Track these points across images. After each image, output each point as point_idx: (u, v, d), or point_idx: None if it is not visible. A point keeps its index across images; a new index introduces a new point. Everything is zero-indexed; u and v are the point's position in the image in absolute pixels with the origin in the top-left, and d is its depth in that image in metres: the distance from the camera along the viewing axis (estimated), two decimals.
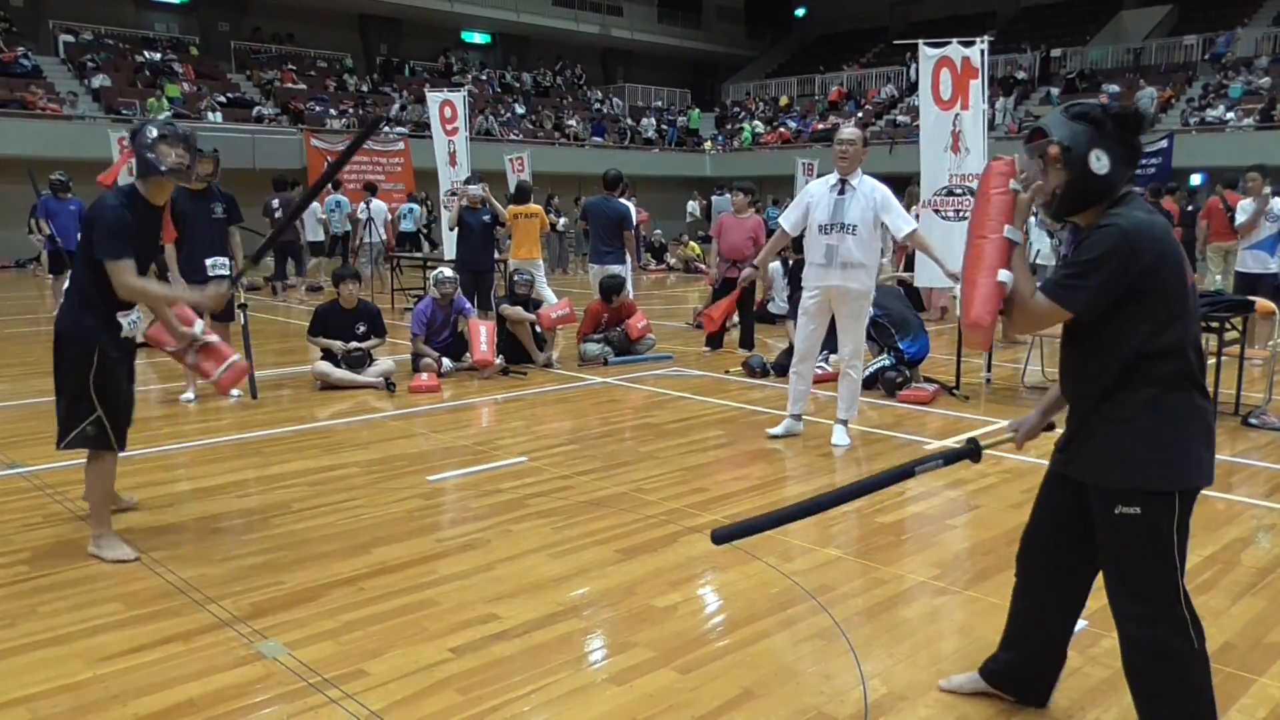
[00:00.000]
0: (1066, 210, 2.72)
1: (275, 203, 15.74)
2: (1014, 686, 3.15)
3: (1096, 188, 2.63)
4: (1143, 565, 2.62)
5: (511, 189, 13.07)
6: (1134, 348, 2.60)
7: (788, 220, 6.63)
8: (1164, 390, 2.60)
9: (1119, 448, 2.62)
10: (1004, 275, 2.69)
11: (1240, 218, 10.10)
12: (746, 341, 10.54)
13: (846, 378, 6.68)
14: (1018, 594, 3.07)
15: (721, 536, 3.01)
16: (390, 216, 17.78)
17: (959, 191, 8.59)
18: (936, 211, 8.71)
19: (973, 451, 3.31)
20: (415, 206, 20.37)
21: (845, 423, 6.70)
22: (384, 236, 16.88)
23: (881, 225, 6.48)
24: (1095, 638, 3.59)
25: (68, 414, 4.38)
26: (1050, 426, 3.12)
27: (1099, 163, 2.60)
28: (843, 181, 6.41)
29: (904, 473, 3.10)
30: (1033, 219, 12.06)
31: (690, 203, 28.39)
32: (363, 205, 16.87)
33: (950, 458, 3.26)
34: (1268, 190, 9.89)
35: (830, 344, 9.23)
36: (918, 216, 8.12)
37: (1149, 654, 2.67)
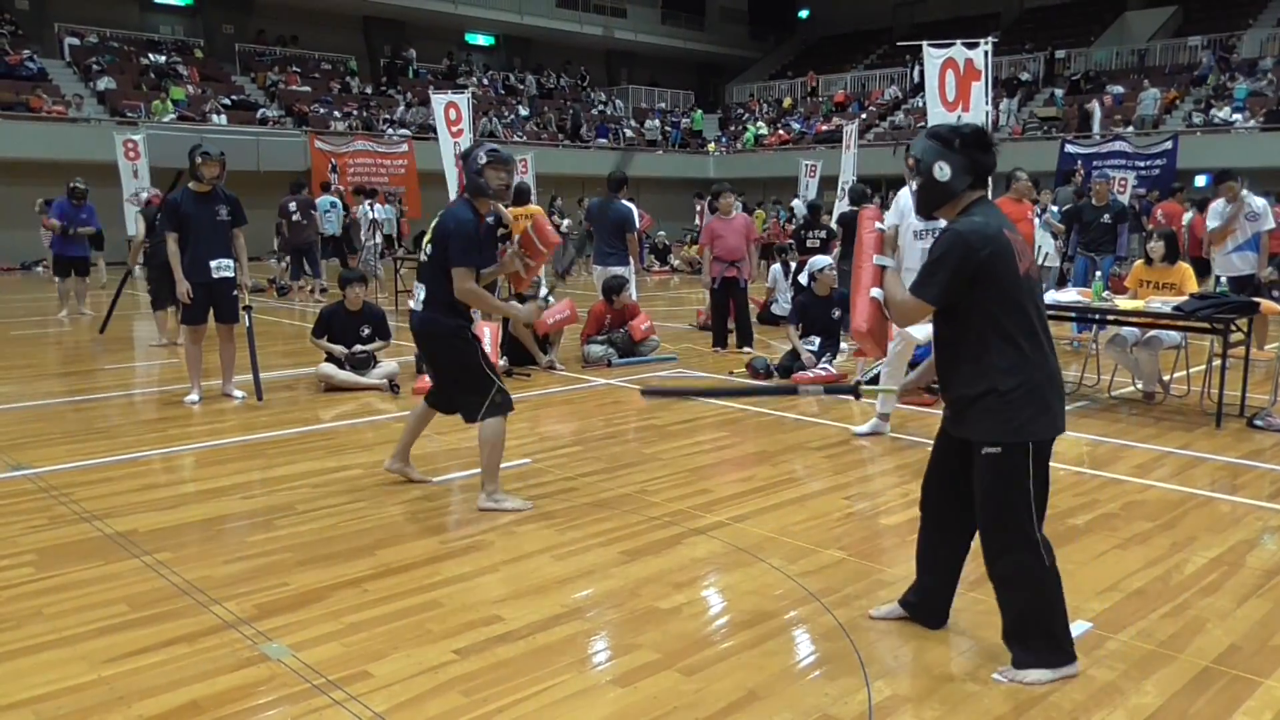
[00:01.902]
0: (923, 208, 3.43)
1: (292, 205, 15.76)
2: (922, 613, 3.69)
3: (940, 191, 3.31)
4: (1004, 498, 3.21)
5: (513, 192, 13.04)
6: (985, 326, 3.18)
7: (889, 225, 6.63)
8: (1016, 359, 3.17)
9: (984, 408, 3.20)
10: (875, 292, 3.49)
11: (1212, 223, 10.07)
12: (744, 339, 10.52)
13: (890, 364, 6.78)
14: (923, 531, 3.62)
15: (649, 392, 4.12)
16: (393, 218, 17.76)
17: None
18: None
19: (853, 390, 4.15)
20: (337, 201, 19.60)
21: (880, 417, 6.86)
22: (379, 238, 16.87)
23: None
24: (1100, 639, 3.59)
25: (473, 392, 5.05)
26: (932, 389, 3.71)
27: (941, 172, 3.28)
28: None
29: (789, 390, 4.31)
30: (1038, 225, 12.08)
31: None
32: (365, 207, 16.88)
33: (831, 390, 4.48)
34: (1245, 194, 9.90)
35: (833, 344, 9.30)
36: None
37: (1011, 574, 3.28)
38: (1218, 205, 10.12)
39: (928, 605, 3.68)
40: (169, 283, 10.67)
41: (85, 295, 14.01)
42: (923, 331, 5.64)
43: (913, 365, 8.23)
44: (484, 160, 5.00)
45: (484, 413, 5.04)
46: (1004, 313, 3.17)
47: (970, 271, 3.15)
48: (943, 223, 6.15)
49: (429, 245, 5.02)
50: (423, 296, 5.04)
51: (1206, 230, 10.16)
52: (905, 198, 6.46)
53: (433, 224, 5.06)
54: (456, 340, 5.05)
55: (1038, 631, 3.28)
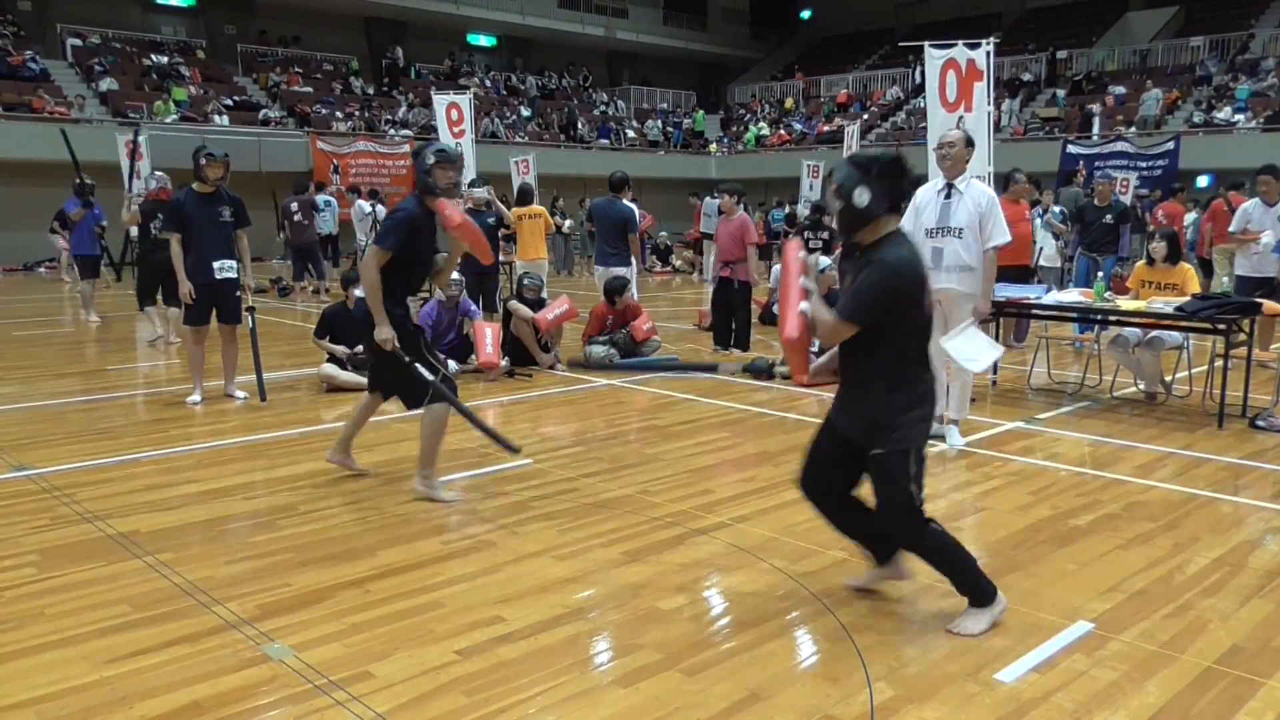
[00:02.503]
0: (844, 230, 3.73)
1: (294, 205, 15.78)
2: (879, 555, 4.05)
3: (859, 215, 3.61)
4: (895, 493, 3.65)
5: (517, 193, 13.09)
6: (893, 346, 3.61)
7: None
8: (910, 375, 3.64)
9: (877, 416, 3.65)
10: (803, 306, 3.72)
11: (1239, 223, 9.79)
12: (741, 342, 10.49)
13: (958, 379, 6.59)
14: (823, 512, 4.02)
15: (576, 364, 4.56)
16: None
17: None
18: None
19: (766, 370, 4.70)
20: (332, 200, 19.66)
21: (957, 423, 6.65)
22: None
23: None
24: (1102, 640, 3.59)
25: (415, 380, 5.21)
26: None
27: (860, 198, 3.59)
28: (949, 185, 6.38)
29: (709, 367, 4.40)
30: (1039, 225, 12.08)
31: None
32: (365, 205, 16.89)
33: (750, 369, 4.40)
34: None
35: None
36: None
37: (918, 549, 3.79)
38: (1251, 205, 9.76)
39: (878, 549, 4.06)
40: (156, 281, 10.80)
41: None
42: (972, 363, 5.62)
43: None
44: (432, 160, 5.20)
45: (428, 399, 5.20)
46: (911, 335, 3.63)
47: (894, 300, 3.54)
48: (953, 223, 6.07)
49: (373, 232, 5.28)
50: (360, 293, 5.38)
51: (1230, 229, 9.94)
52: (924, 193, 6.48)
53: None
54: (395, 328, 5.18)
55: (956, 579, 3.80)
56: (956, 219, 6.29)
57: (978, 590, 3.75)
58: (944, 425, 6.62)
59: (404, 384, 5.28)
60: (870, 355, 3.65)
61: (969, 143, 6.37)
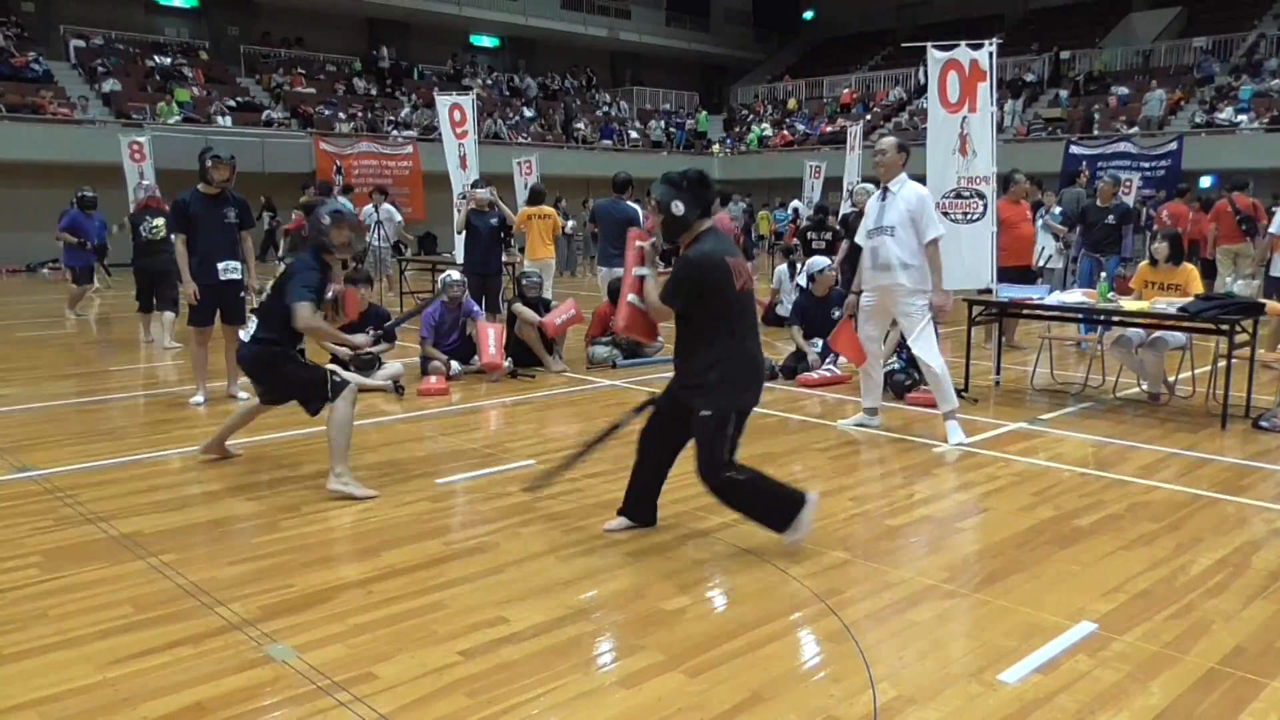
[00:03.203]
0: (667, 237, 4.48)
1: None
2: (640, 516, 4.82)
3: (678, 223, 4.40)
4: (710, 446, 4.35)
5: (519, 192, 13.11)
6: (708, 326, 4.33)
7: (859, 236, 7.07)
8: (724, 351, 4.33)
9: (703, 382, 4.34)
10: (631, 298, 4.52)
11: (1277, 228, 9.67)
12: None
13: (928, 375, 6.81)
14: (640, 463, 4.75)
15: (531, 486, 5.32)
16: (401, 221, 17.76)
17: (967, 194, 8.58)
18: (946, 214, 8.69)
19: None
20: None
21: (951, 415, 6.74)
22: (391, 240, 16.87)
23: None
24: (1105, 641, 3.59)
25: (316, 395, 5.44)
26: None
27: (677, 209, 4.36)
28: (884, 189, 6.70)
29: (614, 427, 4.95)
30: (1039, 226, 12.07)
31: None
32: (370, 208, 16.87)
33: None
34: None
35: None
36: None
37: (727, 493, 4.44)
38: None
39: (645, 508, 4.83)
40: (148, 285, 10.91)
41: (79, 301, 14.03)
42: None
43: (888, 378, 8.23)
44: (327, 221, 5.48)
45: (331, 397, 5.39)
46: (722, 316, 4.31)
47: (699, 289, 4.28)
48: (886, 222, 6.51)
49: (271, 287, 5.55)
50: (254, 328, 5.54)
51: (1271, 229, 9.83)
52: (871, 201, 6.93)
53: (281, 272, 5.59)
54: (285, 359, 5.54)
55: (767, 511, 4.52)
56: (888, 219, 6.62)
57: (777, 514, 4.47)
58: (871, 417, 7.13)
59: (310, 403, 5.49)
60: (693, 332, 4.40)
61: (901, 148, 6.71)
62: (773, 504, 4.48)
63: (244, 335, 5.59)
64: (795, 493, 4.50)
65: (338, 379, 5.49)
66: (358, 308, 6.29)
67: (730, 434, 4.37)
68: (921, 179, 9.26)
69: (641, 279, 4.52)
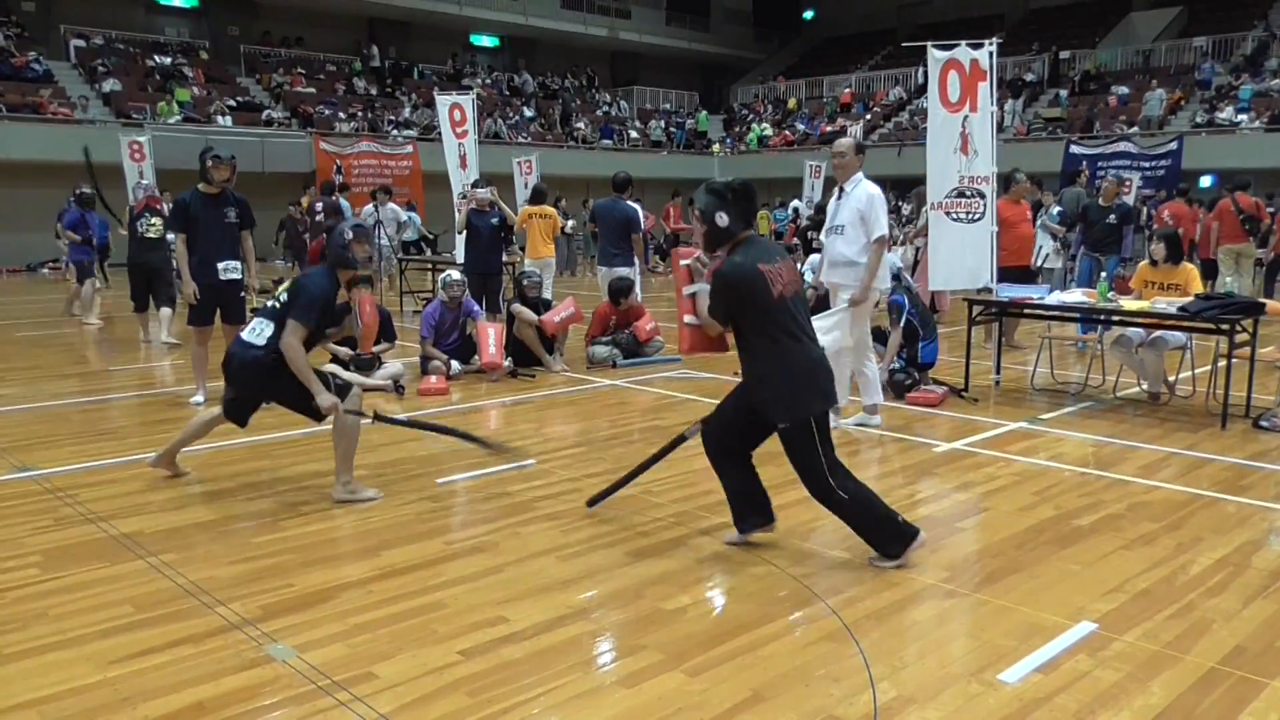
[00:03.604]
0: (709, 248, 4.44)
1: (319, 206, 15.83)
2: (757, 519, 4.64)
3: (722, 235, 4.35)
4: (804, 460, 4.32)
5: (519, 192, 13.11)
6: (751, 337, 4.29)
7: (822, 234, 7.37)
8: (778, 358, 4.25)
9: (764, 396, 4.31)
10: (688, 319, 4.57)
11: None
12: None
13: (859, 373, 7.03)
14: (731, 469, 4.65)
15: (593, 501, 5.08)
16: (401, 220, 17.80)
17: (969, 194, 8.57)
18: (948, 214, 8.69)
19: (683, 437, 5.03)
20: (415, 215, 20.15)
21: (872, 409, 7.07)
22: (393, 239, 16.89)
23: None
24: (1105, 640, 3.59)
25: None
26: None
27: (721, 220, 4.33)
28: (840, 188, 6.90)
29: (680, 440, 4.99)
30: (1039, 227, 12.06)
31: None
32: (370, 208, 16.87)
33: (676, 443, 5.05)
34: None
35: None
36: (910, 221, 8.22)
37: (834, 508, 4.37)
38: None
39: (756, 508, 4.66)
40: (143, 284, 11.02)
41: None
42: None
43: (924, 369, 8.27)
44: (350, 236, 5.36)
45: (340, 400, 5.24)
46: (761, 328, 4.25)
47: (735, 300, 4.26)
48: (838, 221, 6.88)
49: (284, 294, 5.34)
50: (269, 335, 5.23)
51: None
52: (830, 204, 7.21)
53: (291, 280, 5.43)
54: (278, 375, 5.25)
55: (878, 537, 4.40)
56: (841, 218, 6.87)
57: (887, 543, 4.34)
58: (871, 415, 7.15)
59: (314, 407, 5.27)
60: (738, 340, 4.38)
61: (859, 149, 6.94)
62: (886, 531, 4.36)
63: (251, 338, 5.29)
64: (908, 526, 4.36)
65: (340, 381, 5.41)
66: (374, 313, 6.21)
67: (817, 444, 4.27)
68: (922, 179, 9.28)
69: (694, 296, 4.51)
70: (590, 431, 7.07)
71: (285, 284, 5.45)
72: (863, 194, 6.75)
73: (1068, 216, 12.68)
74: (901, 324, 8.10)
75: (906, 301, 8.17)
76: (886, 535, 4.34)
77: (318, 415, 5.30)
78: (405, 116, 29.61)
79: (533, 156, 20.69)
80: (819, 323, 6.65)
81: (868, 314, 6.99)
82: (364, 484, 5.46)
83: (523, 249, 12.05)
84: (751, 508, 4.63)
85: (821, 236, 7.11)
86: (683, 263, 4.62)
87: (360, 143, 26.23)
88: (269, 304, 5.38)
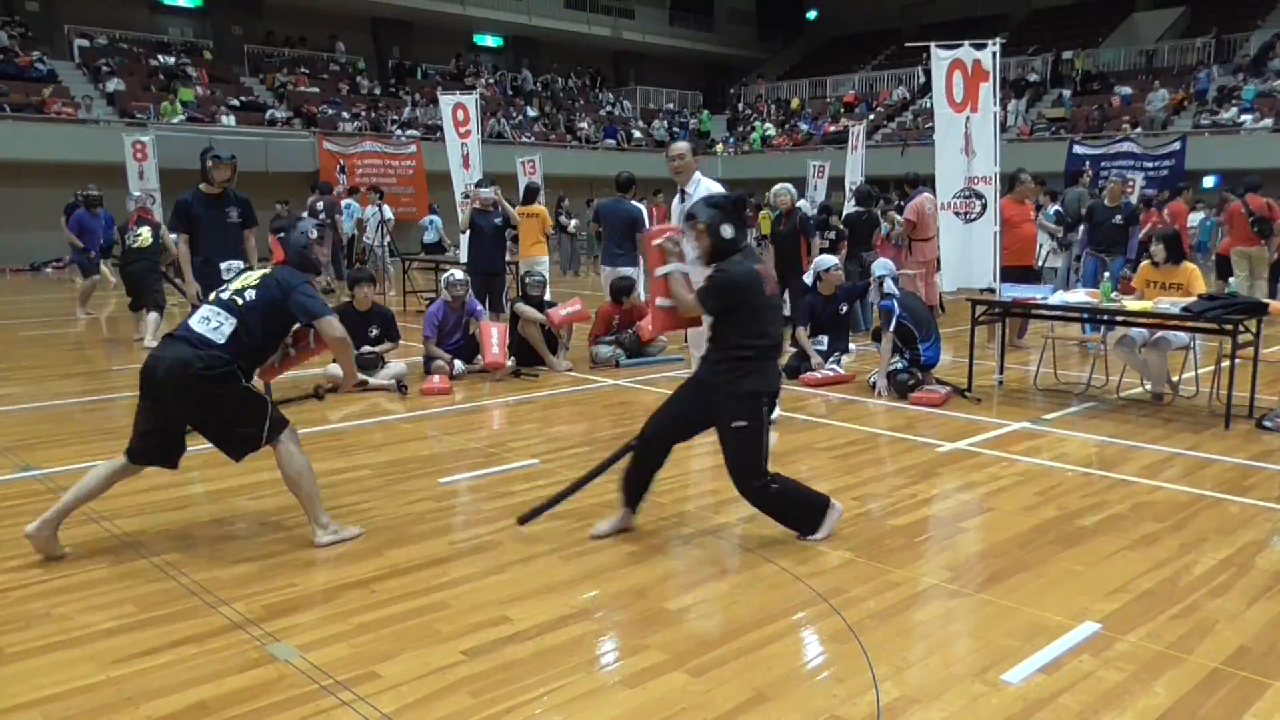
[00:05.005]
0: (713, 258, 4.55)
1: (320, 205, 15.87)
2: (635, 498, 4.80)
3: (727, 246, 4.54)
4: (748, 452, 4.53)
5: (522, 192, 13.13)
6: (739, 333, 4.50)
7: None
8: (755, 357, 4.50)
9: (733, 388, 4.49)
10: (660, 302, 4.74)
11: None
12: None
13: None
14: (641, 454, 4.72)
15: (523, 518, 4.89)
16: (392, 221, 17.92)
17: (968, 195, 8.58)
18: (957, 214, 8.69)
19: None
20: (436, 218, 20.28)
21: None
22: (389, 240, 16.95)
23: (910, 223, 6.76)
24: (1109, 641, 3.58)
25: (251, 422, 4.52)
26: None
27: (726, 233, 4.52)
28: (681, 191, 6.94)
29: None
30: (1038, 227, 12.04)
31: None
32: (373, 209, 16.92)
33: None
34: None
35: (841, 344, 9.31)
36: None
37: (762, 499, 4.62)
38: None
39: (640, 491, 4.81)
40: (136, 289, 11.17)
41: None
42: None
43: (926, 369, 8.27)
44: (313, 235, 5.18)
45: (266, 436, 4.49)
46: (753, 321, 4.49)
47: (734, 299, 4.47)
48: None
49: (251, 289, 4.55)
50: (229, 332, 4.40)
51: None
52: (673, 205, 7.26)
53: (259, 274, 4.67)
54: (235, 379, 4.47)
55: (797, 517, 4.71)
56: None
57: (811, 519, 4.67)
58: None
59: (241, 433, 4.52)
60: (724, 337, 4.54)
61: (695, 151, 7.09)
62: (802, 510, 4.68)
63: (205, 330, 4.41)
64: (821, 497, 4.74)
65: (277, 416, 4.58)
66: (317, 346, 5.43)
67: (765, 441, 4.54)
68: (931, 179, 9.29)
69: (666, 277, 4.66)
70: (594, 431, 7.07)
71: (244, 276, 4.72)
72: (705, 193, 6.67)
73: (1065, 216, 12.64)
74: (892, 328, 8.09)
75: (896, 306, 8.16)
76: (810, 512, 4.68)
77: (240, 453, 4.57)
78: (408, 116, 29.62)
79: (536, 156, 20.70)
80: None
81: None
82: (345, 524, 4.79)
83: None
84: (639, 493, 4.83)
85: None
86: (654, 243, 4.71)
87: (363, 142, 26.26)
88: (225, 297, 4.55)
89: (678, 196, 7.04)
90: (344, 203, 18.11)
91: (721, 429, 4.55)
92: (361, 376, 6.47)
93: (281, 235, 5.24)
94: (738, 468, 4.57)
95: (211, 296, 4.63)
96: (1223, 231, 13.85)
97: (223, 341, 4.38)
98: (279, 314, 4.60)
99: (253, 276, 4.67)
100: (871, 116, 31.94)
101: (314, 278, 4.91)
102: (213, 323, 4.42)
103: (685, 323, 4.86)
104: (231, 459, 4.66)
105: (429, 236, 19.46)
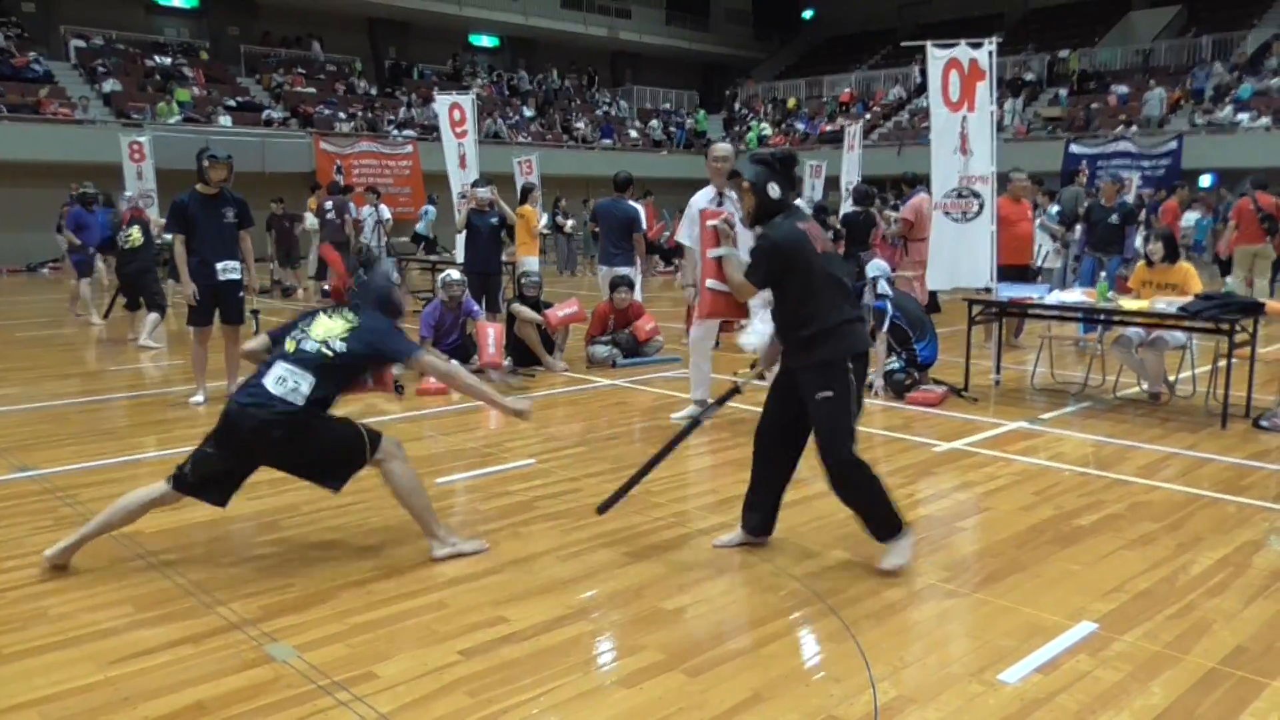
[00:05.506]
0: (757, 220, 4.32)
1: (329, 204, 15.86)
2: (760, 531, 4.58)
3: (773, 206, 4.27)
4: (835, 420, 4.16)
5: (519, 192, 13.18)
6: (796, 297, 4.21)
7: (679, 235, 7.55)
8: (819, 314, 4.17)
9: (811, 361, 4.19)
10: (711, 284, 4.66)
11: None
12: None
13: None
14: (759, 465, 4.51)
15: (602, 507, 4.73)
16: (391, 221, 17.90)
17: (965, 194, 8.58)
18: (947, 214, 8.69)
19: (736, 390, 4.81)
20: (431, 209, 20.34)
21: (697, 403, 7.27)
22: (385, 240, 16.92)
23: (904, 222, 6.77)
24: (1105, 641, 3.59)
25: (350, 461, 4.39)
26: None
27: (774, 191, 4.25)
28: (719, 194, 6.82)
29: (693, 425, 4.90)
30: (1038, 227, 12.05)
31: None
32: (369, 209, 16.89)
33: (720, 401, 4.90)
34: None
35: None
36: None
37: (848, 482, 4.24)
38: None
39: (765, 520, 4.58)
40: (131, 290, 11.31)
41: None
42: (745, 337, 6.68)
43: (923, 369, 8.27)
44: (396, 279, 5.12)
45: (368, 458, 4.39)
46: (809, 295, 4.18)
47: (782, 264, 4.18)
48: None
49: (342, 343, 4.32)
50: (306, 390, 4.20)
51: None
52: (697, 202, 7.06)
53: (345, 324, 4.40)
54: (322, 420, 4.35)
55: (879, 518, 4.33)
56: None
57: (888, 526, 4.28)
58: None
59: (340, 469, 4.40)
60: (785, 309, 4.29)
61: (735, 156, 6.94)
62: (885, 511, 4.27)
63: (282, 392, 4.19)
64: (900, 515, 4.32)
65: (371, 433, 4.43)
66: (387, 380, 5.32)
67: (854, 409, 4.18)
68: (926, 179, 9.28)
69: (719, 259, 4.54)
70: (590, 431, 7.07)
71: (325, 323, 4.42)
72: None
73: (1067, 216, 12.65)
74: (885, 329, 8.10)
75: (889, 306, 8.17)
76: (890, 517, 4.26)
77: (340, 484, 4.42)
78: (404, 116, 29.60)
79: (532, 156, 20.70)
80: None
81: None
82: (357, 488, 4.93)
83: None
84: (764, 516, 4.58)
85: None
86: (710, 224, 4.55)
87: (360, 142, 26.25)
88: (309, 348, 4.30)
89: (714, 200, 6.86)
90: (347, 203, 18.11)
91: (810, 408, 4.22)
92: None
93: (363, 273, 5.01)
94: (829, 440, 4.17)
95: (290, 346, 4.32)
96: (1219, 233, 13.86)
97: (301, 403, 4.19)
98: (367, 365, 4.51)
99: (338, 326, 4.37)
100: (868, 116, 31.95)
101: (398, 320, 4.65)
102: (289, 383, 4.20)
103: (734, 307, 4.67)
104: (332, 492, 4.48)
105: (419, 227, 19.50)
